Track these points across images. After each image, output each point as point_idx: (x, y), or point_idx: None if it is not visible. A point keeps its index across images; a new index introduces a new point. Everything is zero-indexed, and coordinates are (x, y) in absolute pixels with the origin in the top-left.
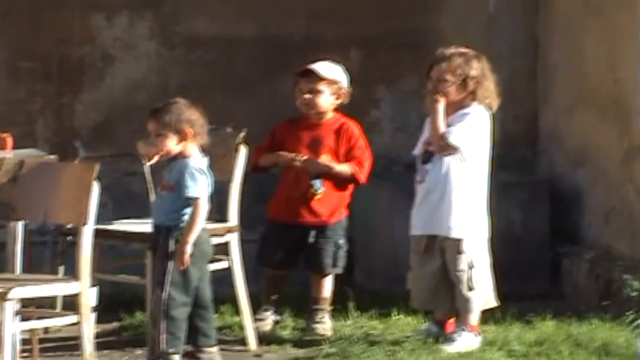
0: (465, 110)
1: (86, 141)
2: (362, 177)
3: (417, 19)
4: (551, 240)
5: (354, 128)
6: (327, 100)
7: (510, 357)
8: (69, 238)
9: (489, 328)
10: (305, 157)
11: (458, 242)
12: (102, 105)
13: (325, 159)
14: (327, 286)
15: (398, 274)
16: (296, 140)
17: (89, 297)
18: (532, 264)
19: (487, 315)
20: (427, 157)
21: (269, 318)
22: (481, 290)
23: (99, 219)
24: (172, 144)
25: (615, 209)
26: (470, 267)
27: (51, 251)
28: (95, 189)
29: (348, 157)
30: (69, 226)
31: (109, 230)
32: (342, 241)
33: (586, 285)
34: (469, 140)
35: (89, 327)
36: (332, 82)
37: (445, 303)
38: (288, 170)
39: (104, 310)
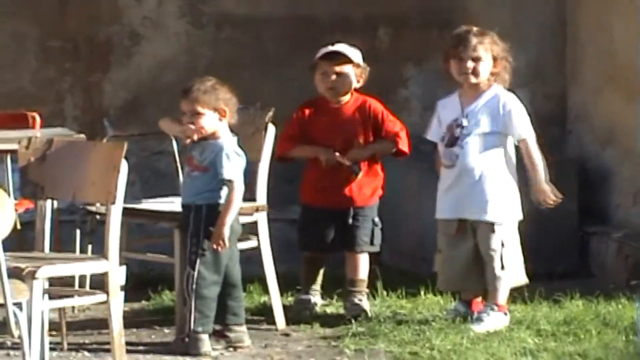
0: (493, 95)
1: (114, 120)
2: (405, 148)
3: None
4: (579, 219)
5: (376, 104)
6: (352, 84)
7: (538, 336)
8: (98, 217)
9: (517, 307)
10: (348, 155)
11: (492, 224)
12: (131, 84)
13: (356, 142)
14: (364, 267)
15: (426, 253)
16: (325, 129)
17: (117, 276)
18: (560, 243)
19: (515, 295)
20: (454, 140)
21: (311, 302)
22: (512, 269)
23: (127, 198)
24: (210, 123)
25: None
26: (503, 245)
27: (80, 230)
28: (124, 167)
29: (382, 133)
30: (98, 205)
31: (137, 209)
32: (377, 219)
33: (614, 264)
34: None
35: (117, 306)
36: (357, 65)
37: (475, 284)
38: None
39: (132, 289)
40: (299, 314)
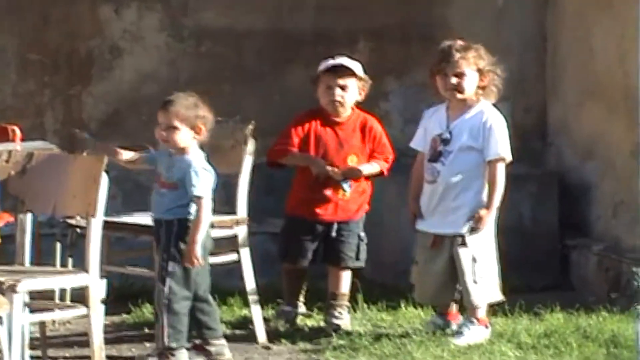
0: (479, 111)
1: (95, 133)
2: (387, 172)
3: (426, 11)
4: (560, 232)
5: (377, 126)
6: (355, 97)
7: (519, 349)
8: (78, 230)
9: (498, 320)
10: (340, 170)
11: (463, 236)
12: (111, 97)
13: (352, 159)
14: (347, 281)
15: (406, 266)
16: (321, 141)
17: (98, 289)
18: (541, 256)
19: (496, 308)
20: (437, 155)
21: (292, 313)
22: (486, 284)
23: (108, 211)
24: (184, 139)
25: (624, 202)
26: (475, 261)
27: (60, 243)
28: (104, 181)
29: (373, 154)
30: (78, 218)
31: (118, 223)
32: (363, 234)
33: (595, 277)
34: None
35: (97, 320)
36: (360, 78)
37: (449, 296)
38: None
39: (112, 303)
40: (280, 325)
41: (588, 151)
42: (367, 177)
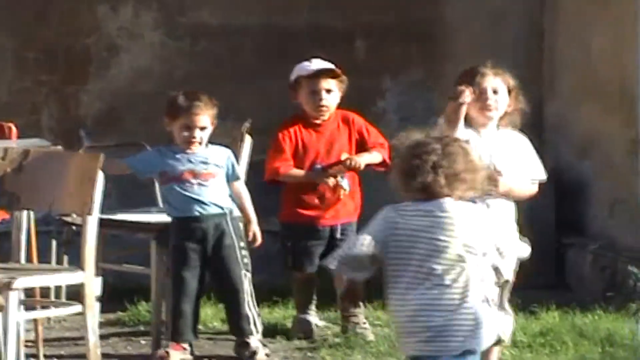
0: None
1: (91, 131)
2: (387, 159)
3: (422, 9)
4: (556, 231)
5: (358, 117)
6: (337, 99)
7: (515, 347)
8: (74, 228)
9: None
10: (341, 165)
11: None
12: (107, 95)
13: (345, 156)
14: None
15: None
16: (310, 147)
17: (93, 286)
18: (536, 254)
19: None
20: None
21: (310, 323)
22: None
23: (104, 209)
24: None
25: (621, 200)
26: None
27: (56, 241)
28: (100, 178)
29: (367, 145)
30: (74, 216)
31: (114, 220)
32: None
33: (591, 276)
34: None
35: (93, 317)
36: (342, 80)
37: None
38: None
39: (108, 300)
40: (298, 336)
41: (584, 149)
42: (374, 166)
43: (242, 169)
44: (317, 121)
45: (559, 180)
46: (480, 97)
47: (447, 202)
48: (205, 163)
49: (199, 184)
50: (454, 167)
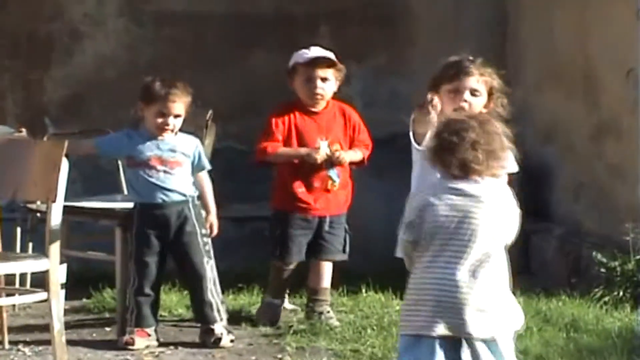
0: None
1: (55, 117)
2: (366, 162)
3: None
4: (520, 216)
5: (355, 115)
6: (333, 88)
7: None
8: (38, 215)
9: None
10: (339, 153)
11: None
12: (71, 81)
13: (335, 148)
14: (329, 275)
15: (367, 250)
16: (303, 133)
17: (58, 274)
18: None
19: None
20: None
21: (279, 307)
22: None
23: (68, 196)
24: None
25: (585, 186)
26: None
27: (20, 228)
28: (64, 165)
29: (353, 142)
30: (38, 203)
31: (78, 207)
32: (346, 227)
33: (555, 261)
34: None
35: (57, 304)
36: (338, 69)
37: None
38: (302, 163)
39: (73, 287)
40: (266, 318)
41: (548, 135)
42: (352, 164)
43: (206, 155)
44: (314, 109)
45: (524, 165)
46: (456, 95)
47: (487, 181)
48: (173, 151)
49: (165, 172)
50: (491, 144)
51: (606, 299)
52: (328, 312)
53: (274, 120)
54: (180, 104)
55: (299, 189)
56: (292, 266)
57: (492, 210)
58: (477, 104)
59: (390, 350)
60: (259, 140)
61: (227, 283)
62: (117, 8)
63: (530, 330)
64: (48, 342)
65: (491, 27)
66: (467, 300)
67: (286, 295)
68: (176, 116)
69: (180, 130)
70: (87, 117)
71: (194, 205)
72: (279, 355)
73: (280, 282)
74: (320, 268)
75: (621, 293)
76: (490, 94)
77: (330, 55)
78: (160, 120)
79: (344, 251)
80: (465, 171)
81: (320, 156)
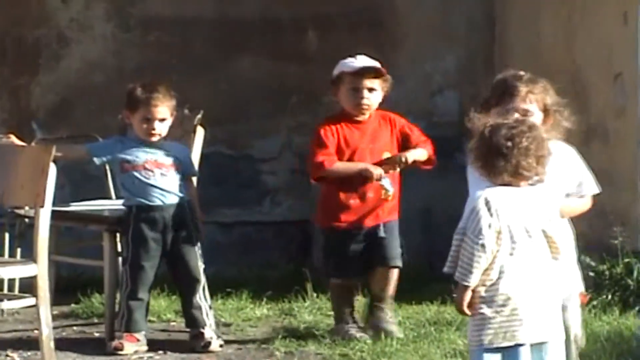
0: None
1: (43, 123)
2: (433, 156)
3: None
4: None
5: (397, 116)
6: (379, 99)
7: (457, 330)
8: (27, 220)
9: (447, 309)
10: (405, 158)
11: None
12: (59, 86)
13: (386, 155)
14: (394, 281)
15: None
16: (352, 144)
17: (47, 279)
18: None
19: (446, 296)
20: None
21: (350, 331)
22: None
23: (56, 201)
24: (167, 127)
25: None
26: None
27: (8, 233)
28: (52, 170)
29: (411, 143)
30: (27, 208)
31: (67, 212)
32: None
33: None
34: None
35: (46, 310)
36: (386, 79)
37: None
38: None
39: (61, 293)
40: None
41: None
42: (421, 164)
43: (194, 161)
44: (359, 119)
45: None
46: (506, 118)
47: (541, 186)
48: (167, 154)
49: (161, 174)
50: (541, 150)
51: (595, 302)
52: (391, 317)
53: (323, 132)
54: (163, 108)
55: (352, 200)
56: (351, 282)
57: (549, 212)
58: None
59: (379, 355)
60: (312, 155)
61: (215, 288)
62: (104, 13)
63: None
64: (36, 348)
65: (479, 31)
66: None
67: (353, 318)
68: (161, 120)
69: (168, 135)
70: (74, 122)
71: (190, 208)
72: None
73: (342, 302)
74: (385, 275)
75: (610, 296)
76: (545, 109)
77: (378, 64)
78: (145, 125)
79: (402, 255)
80: (517, 177)
81: (377, 173)
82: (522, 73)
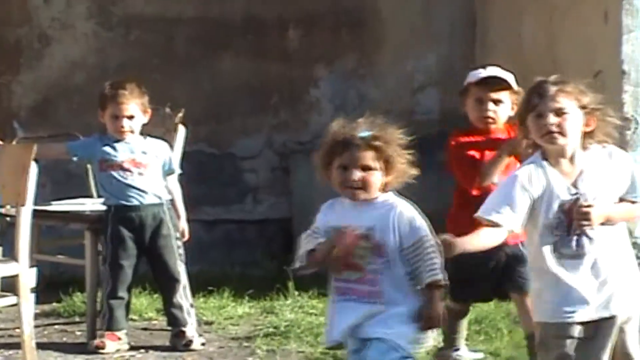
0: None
1: (24, 122)
2: None
3: None
4: None
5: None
6: (508, 112)
7: None
8: (8, 219)
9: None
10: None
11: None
12: (41, 85)
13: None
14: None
15: None
16: (482, 159)
17: (28, 278)
18: None
19: None
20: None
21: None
22: None
23: (38, 200)
24: (140, 124)
25: None
26: None
27: None
28: (34, 169)
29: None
30: (8, 207)
31: (48, 211)
32: None
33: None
34: None
35: (28, 308)
36: (514, 91)
37: None
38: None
39: (43, 291)
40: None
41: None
42: None
43: (175, 160)
44: (491, 131)
45: None
46: (539, 120)
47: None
48: (145, 153)
49: (139, 174)
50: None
51: None
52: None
53: (454, 146)
54: (131, 105)
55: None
56: (463, 306)
57: None
58: (568, 125)
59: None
60: (460, 171)
61: (198, 286)
62: (86, 12)
63: (501, 332)
64: (18, 346)
65: (460, 31)
66: None
67: (461, 342)
68: (129, 117)
69: (150, 135)
70: (56, 121)
71: (168, 208)
72: (250, 359)
73: (453, 325)
74: (524, 304)
75: None
76: (585, 109)
77: (507, 75)
78: (115, 123)
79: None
80: None
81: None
82: (552, 77)
